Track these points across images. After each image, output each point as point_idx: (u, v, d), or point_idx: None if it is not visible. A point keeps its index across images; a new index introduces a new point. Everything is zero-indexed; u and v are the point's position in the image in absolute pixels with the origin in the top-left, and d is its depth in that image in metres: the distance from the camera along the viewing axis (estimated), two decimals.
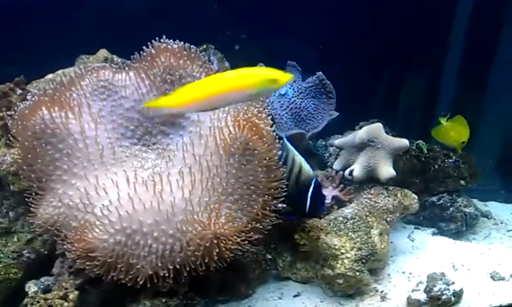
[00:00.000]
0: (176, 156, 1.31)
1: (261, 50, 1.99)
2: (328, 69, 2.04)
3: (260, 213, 1.24)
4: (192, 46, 1.33)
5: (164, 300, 1.25)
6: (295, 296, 1.50)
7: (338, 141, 1.71)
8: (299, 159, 1.43)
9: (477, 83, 2.05)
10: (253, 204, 1.23)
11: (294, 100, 1.86)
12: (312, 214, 1.48)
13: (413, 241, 1.79)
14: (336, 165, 1.70)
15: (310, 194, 1.40)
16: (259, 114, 1.22)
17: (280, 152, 1.31)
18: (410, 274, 1.59)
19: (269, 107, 1.82)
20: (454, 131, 1.75)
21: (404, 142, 1.62)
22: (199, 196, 1.21)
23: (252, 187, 1.22)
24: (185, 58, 1.30)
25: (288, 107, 1.84)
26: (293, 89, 1.88)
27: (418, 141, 1.80)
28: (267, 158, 1.21)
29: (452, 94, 2.08)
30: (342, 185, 1.66)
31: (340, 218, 1.51)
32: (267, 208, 1.25)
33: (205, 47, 1.60)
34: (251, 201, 1.23)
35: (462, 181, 1.79)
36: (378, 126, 1.63)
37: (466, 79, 2.06)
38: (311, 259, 1.52)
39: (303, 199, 1.41)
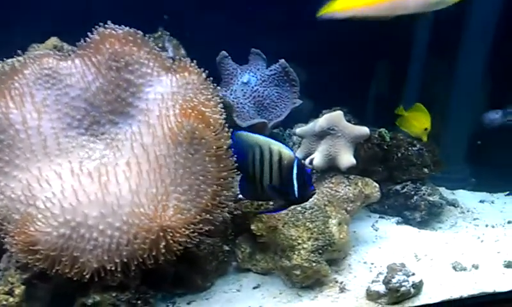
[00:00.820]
0: (125, 146, 1.26)
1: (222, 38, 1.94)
2: (298, 58, 2.03)
3: (209, 204, 1.20)
4: (138, 31, 1.28)
5: (114, 294, 1.22)
6: (254, 288, 1.48)
7: (299, 129, 1.68)
8: (277, 146, 1.28)
9: (445, 71, 2.04)
10: (202, 194, 1.20)
11: (257, 89, 1.82)
12: (303, 197, 1.30)
13: (376, 230, 1.77)
14: (298, 154, 1.67)
15: (295, 176, 1.25)
16: (207, 102, 1.18)
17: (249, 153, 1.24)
18: (372, 264, 1.56)
19: (231, 96, 1.80)
20: (414, 119, 1.74)
21: (365, 130, 1.59)
22: (146, 187, 1.18)
23: (201, 177, 1.18)
24: (131, 44, 1.25)
25: (251, 95, 1.80)
26: (256, 78, 1.84)
27: (381, 129, 1.78)
28: (216, 147, 1.17)
29: (419, 84, 2.06)
30: None
31: (299, 208, 1.48)
32: (217, 198, 1.22)
33: (159, 33, 1.55)
34: (200, 191, 1.20)
35: (425, 170, 1.77)
36: (338, 114, 1.60)
37: (434, 68, 2.04)
38: (270, 251, 1.49)
39: (290, 185, 1.26)
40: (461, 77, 1.97)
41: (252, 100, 1.80)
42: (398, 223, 1.83)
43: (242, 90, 1.80)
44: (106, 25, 1.26)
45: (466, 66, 1.94)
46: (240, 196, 1.44)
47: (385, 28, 1.95)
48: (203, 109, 1.14)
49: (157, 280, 1.34)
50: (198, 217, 1.20)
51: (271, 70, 1.86)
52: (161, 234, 1.15)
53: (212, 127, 1.14)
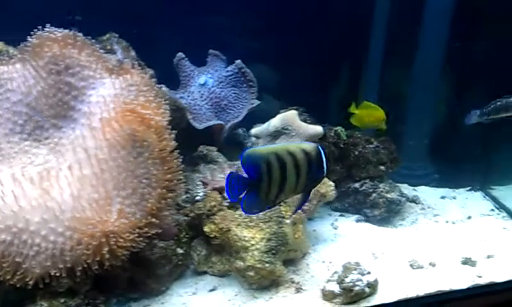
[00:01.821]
0: (68, 150, 1.24)
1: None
2: (259, 59, 2.02)
3: (155, 207, 1.19)
4: (78, 34, 1.26)
5: (63, 301, 1.20)
6: (210, 290, 1.46)
7: (254, 130, 1.67)
8: (294, 145, 1.20)
9: (404, 69, 2.05)
10: (147, 198, 1.18)
11: (214, 90, 1.80)
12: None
13: (336, 229, 1.77)
14: None
15: (325, 162, 1.18)
16: (148, 104, 1.16)
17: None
18: (330, 263, 1.56)
19: (189, 97, 1.79)
20: (367, 115, 1.74)
21: (318, 129, 1.59)
22: (88, 192, 1.16)
23: (145, 180, 1.17)
24: (71, 47, 1.22)
25: (208, 97, 1.79)
26: (213, 79, 1.82)
27: (337, 128, 1.79)
28: (159, 150, 1.15)
29: (379, 82, 2.07)
30: None
31: None
32: (164, 201, 1.20)
33: (108, 36, 1.52)
34: (145, 195, 1.18)
35: (382, 167, 1.78)
36: (292, 113, 1.60)
37: (393, 66, 2.05)
38: (226, 252, 1.48)
39: (321, 171, 1.18)
40: (419, 74, 1.98)
41: (209, 102, 1.78)
42: (358, 221, 1.83)
43: (199, 92, 1.79)
44: (45, 29, 1.24)
45: (424, 62, 1.95)
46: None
47: (343, 27, 1.98)
48: (143, 111, 1.12)
49: (109, 285, 1.32)
50: (144, 220, 1.18)
51: (227, 71, 1.84)
52: (104, 239, 1.13)
53: (153, 129, 1.13)
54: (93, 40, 1.42)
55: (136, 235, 1.17)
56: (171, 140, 1.19)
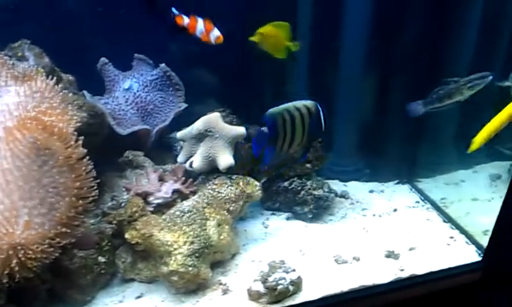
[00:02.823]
0: None
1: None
2: (188, 61, 2.02)
3: (65, 216, 1.16)
4: None
5: None
6: (137, 297, 1.44)
7: (179, 133, 1.66)
8: (299, 102, 1.53)
9: (331, 66, 2.09)
10: (56, 207, 1.15)
11: (140, 94, 1.78)
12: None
13: (266, 228, 1.79)
14: (180, 157, 1.65)
15: (322, 116, 1.54)
16: (51, 111, 1.13)
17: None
18: (260, 262, 1.57)
19: (113, 103, 1.75)
20: (272, 36, 1.63)
21: (241, 130, 1.60)
22: None
23: (53, 189, 1.14)
24: None
25: (133, 101, 1.76)
26: (138, 83, 1.80)
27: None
28: (65, 157, 1.13)
29: (307, 80, 2.09)
30: (183, 178, 1.61)
31: (177, 212, 1.46)
32: (74, 210, 1.17)
33: (19, 42, 1.47)
34: (54, 204, 1.15)
35: (308, 165, 1.81)
36: (215, 116, 1.60)
37: (320, 62, 2.08)
38: (151, 258, 1.47)
39: (319, 126, 1.55)
40: (345, 71, 2.03)
41: (135, 106, 1.75)
42: (288, 219, 1.85)
43: (124, 96, 1.76)
44: None
45: (349, 58, 2.00)
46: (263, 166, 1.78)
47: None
48: (46, 118, 1.09)
49: (28, 298, 1.28)
50: (54, 231, 1.15)
51: (152, 75, 1.82)
52: (12, 252, 1.10)
53: (56, 136, 1.10)
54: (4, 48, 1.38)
55: (46, 245, 1.13)
56: (79, 146, 1.16)
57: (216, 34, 1.49)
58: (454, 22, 1.95)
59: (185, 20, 1.46)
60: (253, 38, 1.64)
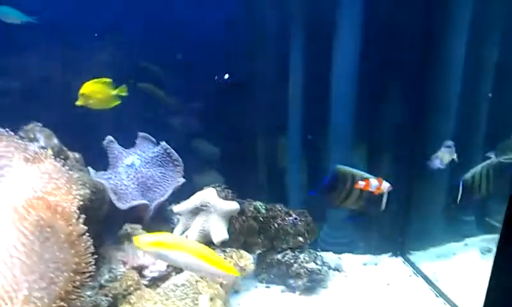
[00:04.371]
0: None
1: None
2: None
3: (64, 291, 1.22)
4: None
5: None
6: None
7: (176, 207, 1.74)
8: (364, 175, 1.76)
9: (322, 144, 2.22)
10: (56, 281, 1.22)
11: (141, 170, 1.89)
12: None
13: (260, 302, 1.81)
14: (176, 231, 1.73)
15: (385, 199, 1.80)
16: (56, 191, 1.23)
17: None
18: None
19: (116, 178, 1.86)
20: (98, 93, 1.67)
21: (234, 205, 1.68)
22: None
23: (53, 264, 1.21)
24: None
25: (134, 177, 1.86)
26: (140, 160, 1.91)
27: (256, 202, 1.88)
28: (66, 234, 1.21)
29: (300, 159, 2.25)
30: None
31: (172, 285, 1.51)
32: (72, 285, 1.23)
33: (31, 125, 1.60)
34: (53, 279, 1.21)
35: (300, 238, 1.85)
36: (210, 191, 1.69)
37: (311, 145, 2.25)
38: None
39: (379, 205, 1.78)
40: (336, 148, 2.14)
41: (136, 181, 1.85)
42: (282, 292, 1.87)
43: (126, 172, 1.86)
44: None
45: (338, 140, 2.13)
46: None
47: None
48: (51, 198, 1.19)
49: None
50: (53, 305, 1.21)
51: (153, 152, 1.94)
52: None
53: (59, 215, 1.19)
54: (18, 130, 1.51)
55: None
56: (79, 224, 1.24)
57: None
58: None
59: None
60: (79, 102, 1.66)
